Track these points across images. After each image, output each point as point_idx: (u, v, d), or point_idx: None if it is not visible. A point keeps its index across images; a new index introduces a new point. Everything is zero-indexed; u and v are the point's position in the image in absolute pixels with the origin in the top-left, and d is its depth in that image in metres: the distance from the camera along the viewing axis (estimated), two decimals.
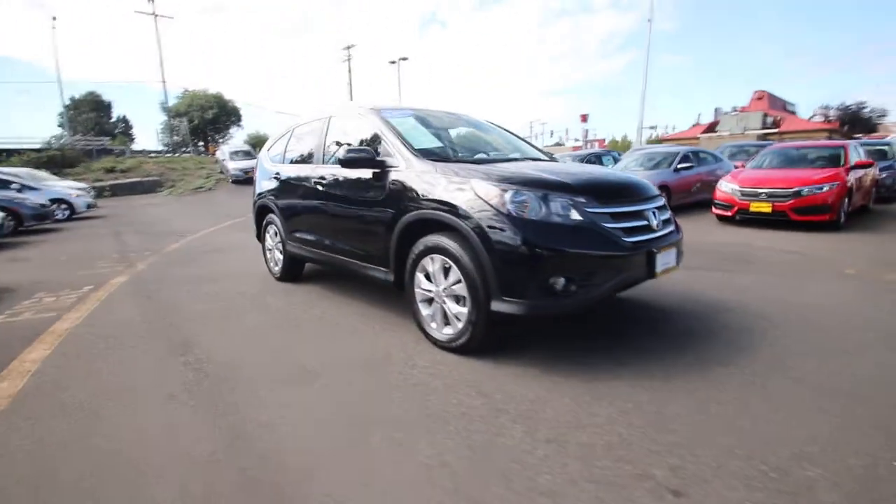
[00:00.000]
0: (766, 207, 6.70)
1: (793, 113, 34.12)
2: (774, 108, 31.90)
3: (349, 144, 3.63)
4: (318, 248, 3.86)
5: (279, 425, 2.03)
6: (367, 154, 3.12)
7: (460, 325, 2.63)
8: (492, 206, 2.42)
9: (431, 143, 3.38)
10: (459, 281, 2.58)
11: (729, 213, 7.14)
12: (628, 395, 2.15)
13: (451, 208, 2.58)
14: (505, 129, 4.13)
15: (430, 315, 2.84)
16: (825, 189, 6.39)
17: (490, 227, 2.39)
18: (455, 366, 2.55)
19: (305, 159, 4.16)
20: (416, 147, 3.06)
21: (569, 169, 2.98)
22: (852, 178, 6.86)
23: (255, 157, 22.62)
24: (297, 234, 4.17)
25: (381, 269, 3.17)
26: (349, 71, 37.94)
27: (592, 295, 2.38)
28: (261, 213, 4.86)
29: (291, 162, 4.38)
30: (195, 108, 37.86)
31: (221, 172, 21.06)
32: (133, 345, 3.05)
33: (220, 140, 40.20)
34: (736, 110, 31.32)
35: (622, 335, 2.92)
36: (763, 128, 28.32)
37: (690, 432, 1.87)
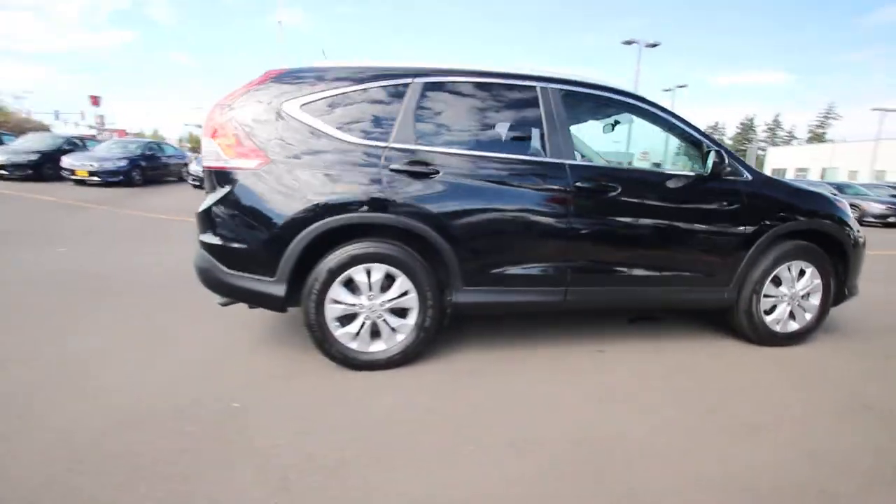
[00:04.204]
0: None
1: None
2: None
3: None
4: (564, 287, 2.58)
5: None
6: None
7: (809, 316, 3.01)
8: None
9: None
10: (818, 278, 2.96)
11: None
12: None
13: (840, 221, 2.96)
14: None
15: (775, 319, 2.95)
16: None
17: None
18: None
19: (510, 147, 2.55)
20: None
21: None
22: None
23: None
24: (510, 272, 2.50)
25: (719, 288, 2.81)
26: None
27: None
28: (316, 244, 2.30)
29: (448, 144, 2.44)
30: None
31: None
32: None
33: None
34: None
35: None
36: None
37: None
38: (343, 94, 2.38)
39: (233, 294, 2.39)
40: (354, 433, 1.87)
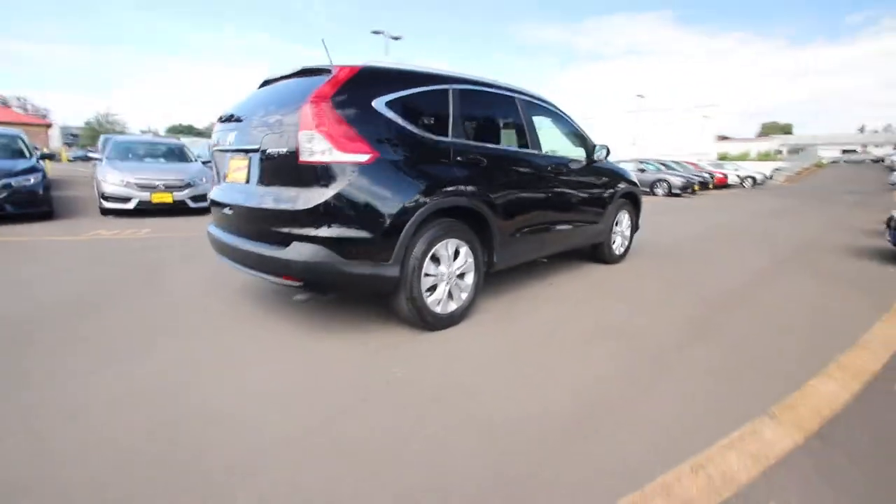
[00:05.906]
0: None
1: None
2: None
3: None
4: (542, 241, 3.69)
5: None
6: None
7: (626, 243, 5.02)
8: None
9: None
10: (629, 220, 4.97)
11: None
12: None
13: (636, 184, 4.88)
14: None
15: (615, 248, 4.82)
16: None
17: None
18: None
19: (513, 142, 3.43)
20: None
21: None
22: None
23: None
24: (520, 234, 3.39)
25: (600, 231, 4.43)
26: None
27: None
28: (426, 222, 2.68)
29: (479, 140, 3.10)
30: None
31: None
32: None
33: None
34: None
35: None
36: None
37: None
38: (413, 94, 2.72)
39: (349, 282, 2.46)
40: (512, 365, 2.50)
